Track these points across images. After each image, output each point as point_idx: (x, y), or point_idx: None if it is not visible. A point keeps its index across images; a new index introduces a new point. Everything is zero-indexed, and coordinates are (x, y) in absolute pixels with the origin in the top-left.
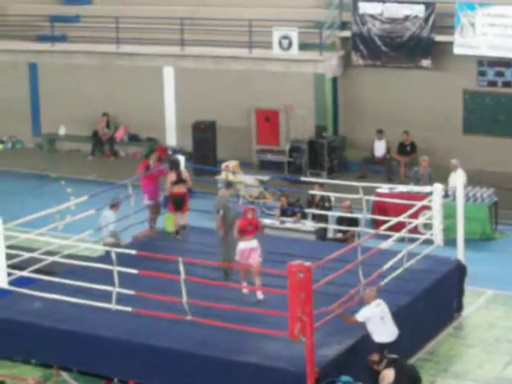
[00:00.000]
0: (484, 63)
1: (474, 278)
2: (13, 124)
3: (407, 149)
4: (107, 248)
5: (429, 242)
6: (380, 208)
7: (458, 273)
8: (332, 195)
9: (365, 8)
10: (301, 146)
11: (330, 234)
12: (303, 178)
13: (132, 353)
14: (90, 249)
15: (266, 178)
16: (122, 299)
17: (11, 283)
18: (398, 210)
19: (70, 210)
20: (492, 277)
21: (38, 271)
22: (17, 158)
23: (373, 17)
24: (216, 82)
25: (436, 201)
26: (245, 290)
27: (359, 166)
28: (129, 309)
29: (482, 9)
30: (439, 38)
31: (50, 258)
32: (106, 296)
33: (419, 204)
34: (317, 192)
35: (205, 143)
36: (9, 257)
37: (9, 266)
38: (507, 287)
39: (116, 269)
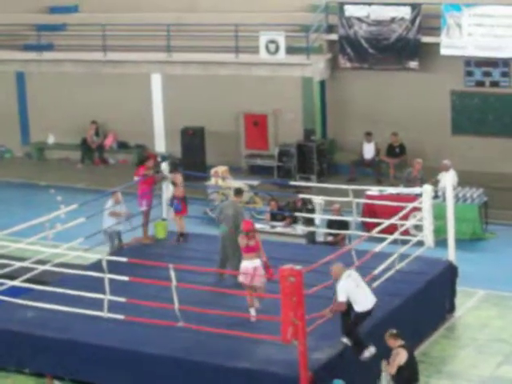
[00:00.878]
0: (471, 63)
1: (466, 279)
2: (1, 133)
3: (396, 150)
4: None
5: (420, 243)
6: (370, 210)
7: (449, 273)
8: (317, 198)
9: (351, 11)
10: (290, 150)
11: (320, 238)
12: (292, 183)
13: (125, 361)
14: (81, 257)
15: (255, 182)
16: (113, 307)
17: (2, 293)
18: (389, 212)
19: (60, 219)
20: (483, 277)
21: (29, 280)
22: (6, 167)
23: (359, 19)
24: (204, 87)
25: (426, 202)
26: (252, 318)
27: (348, 169)
28: (121, 316)
29: (468, 9)
30: (426, 39)
31: (41, 267)
32: (97, 304)
33: (409, 206)
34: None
35: (194, 149)
36: None
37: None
38: (499, 287)
39: (107, 276)
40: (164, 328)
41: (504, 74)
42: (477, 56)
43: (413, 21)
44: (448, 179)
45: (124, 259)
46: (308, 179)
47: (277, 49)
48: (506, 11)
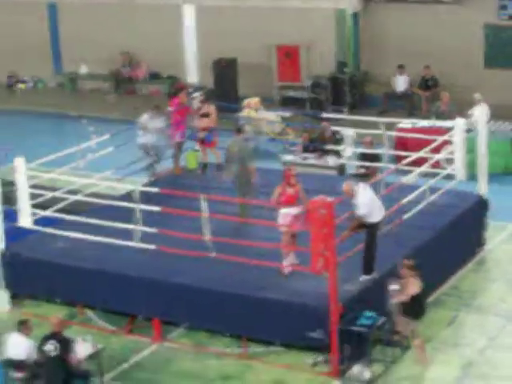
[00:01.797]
0: None
1: (497, 213)
2: (34, 64)
3: (428, 83)
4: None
5: (451, 176)
6: (402, 143)
7: (480, 207)
8: (348, 130)
9: None
10: (322, 82)
11: (351, 170)
12: (325, 114)
13: (156, 290)
14: (113, 187)
15: (287, 114)
16: (144, 237)
17: (35, 223)
18: (421, 145)
19: (92, 149)
20: None
21: (61, 210)
22: (39, 97)
23: None
24: (236, 18)
25: (458, 135)
26: (286, 269)
27: (381, 102)
28: (152, 246)
29: None
30: None
31: (73, 197)
32: (129, 235)
33: (441, 139)
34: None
35: (226, 80)
36: (32, 196)
37: (32, 206)
38: None
39: (139, 207)
40: (196, 259)
41: None
42: None
43: None
44: (480, 113)
45: (156, 189)
46: (340, 111)
47: None
48: None
